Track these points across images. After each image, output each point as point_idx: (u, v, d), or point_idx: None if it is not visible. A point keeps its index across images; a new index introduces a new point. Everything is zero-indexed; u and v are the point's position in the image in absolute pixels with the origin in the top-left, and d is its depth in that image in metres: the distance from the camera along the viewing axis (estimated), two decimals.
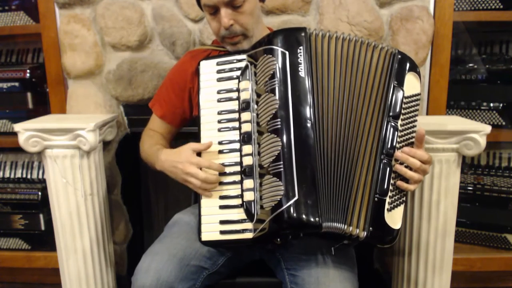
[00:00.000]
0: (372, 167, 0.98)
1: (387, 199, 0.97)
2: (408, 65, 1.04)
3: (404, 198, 1.01)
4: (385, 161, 0.98)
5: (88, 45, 1.58)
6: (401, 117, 1.01)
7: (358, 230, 0.95)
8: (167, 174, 1.10)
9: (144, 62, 1.58)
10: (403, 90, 1.02)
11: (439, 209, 1.34)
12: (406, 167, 0.99)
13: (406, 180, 1.00)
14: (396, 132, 0.99)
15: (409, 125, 1.02)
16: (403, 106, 1.01)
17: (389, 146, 0.98)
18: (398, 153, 0.98)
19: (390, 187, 0.98)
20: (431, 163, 1.04)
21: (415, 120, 1.04)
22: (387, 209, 0.97)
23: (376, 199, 0.97)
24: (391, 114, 1.00)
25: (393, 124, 0.99)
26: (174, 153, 1.09)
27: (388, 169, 0.98)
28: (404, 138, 1.01)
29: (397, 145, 0.99)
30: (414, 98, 1.04)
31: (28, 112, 1.78)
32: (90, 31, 1.58)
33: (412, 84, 1.04)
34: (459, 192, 1.38)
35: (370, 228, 0.96)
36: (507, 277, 1.78)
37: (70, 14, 1.58)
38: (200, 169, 1.02)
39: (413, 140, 1.02)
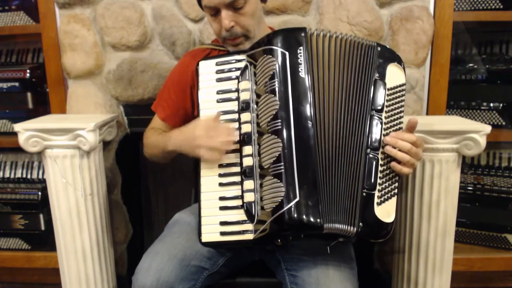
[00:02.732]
0: (359, 162, 0.98)
1: (376, 193, 0.97)
2: (389, 56, 1.04)
3: (395, 191, 1.01)
4: (371, 155, 0.98)
5: (88, 45, 1.58)
6: (386, 109, 1.01)
7: (350, 227, 0.95)
8: (181, 151, 1.11)
9: (144, 62, 1.57)
10: (384, 83, 1.02)
11: (439, 209, 1.34)
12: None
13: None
14: (381, 126, 1.00)
15: (395, 116, 1.03)
16: (387, 98, 1.01)
17: (373, 140, 0.99)
18: (387, 138, 0.99)
19: (379, 181, 0.98)
20: (423, 146, 1.04)
21: (402, 111, 1.04)
22: (377, 203, 0.97)
23: (364, 194, 0.97)
24: (373, 107, 1.00)
25: (377, 117, 1.00)
26: (187, 130, 1.10)
27: (374, 163, 0.98)
28: (391, 130, 1.01)
29: (383, 138, 0.99)
30: (399, 89, 1.04)
31: (28, 112, 1.78)
32: (90, 31, 1.58)
33: (395, 75, 1.04)
34: (459, 192, 1.37)
35: (360, 224, 0.96)
36: (507, 277, 1.78)
37: (70, 14, 1.57)
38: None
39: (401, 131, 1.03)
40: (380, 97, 1.01)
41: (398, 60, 1.05)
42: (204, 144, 1.03)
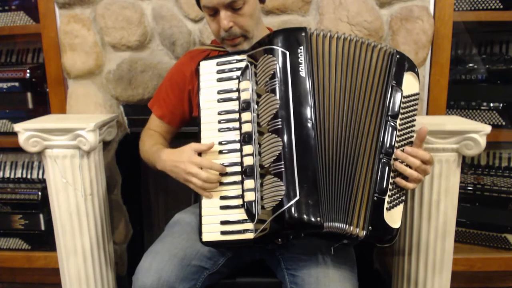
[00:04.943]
0: (371, 166, 0.98)
1: (386, 198, 0.98)
2: (406, 65, 1.05)
3: (403, 197, 1.01)
4: (384, 160, 0.98)
5: (88, 45, 1.58)
6: (400, 116, 1.01)
7: (357, 229, 0.95)
8: (168, 174, 1.10)
9: (144, 62, 1.58)
10: (401, 90, 1.02)
11: (439, 209, 1.35)
12: (406, 165, 0.99)
13: (405, 178, 1.00)
14: (395, 132, 0.99)
15: (408, 124, 1.03)
16: (402, 105, 1.01)
17: (387, 145, 0.99)
18: (398, 152, 0.99)
19: (389, 186, 0.98)
20: (433, 163, 1.04)
21: (414, 120, 1.04)
22: (386, 208, 0.97)
23: (375, 198, 0.97)
24: (389, 113, 1.00)
25: (392, 123, 1.00)
26: (175, 153, 1.09)
27: (387, 168, 0.98)
28: (403, 137, 1.02)
29: (396, 144, 1.00)
30: (413, 97, 1.05)
31: (28, 112, 1.78)
32: (90, 31, 1.58)
33: (410, 84, 1.04)
34: (459, 192, 1.38)
35: (370, 227, 0.96)
36: (507, 277, 1.78)
37: (70, 14, 1.58)
38: (201, 168, 1.02)
39: (412, 139, 1.03)
40: (396, 104, 1.01)
41: (414, 69, 1.06)
42: (194, 177, 1.02)
